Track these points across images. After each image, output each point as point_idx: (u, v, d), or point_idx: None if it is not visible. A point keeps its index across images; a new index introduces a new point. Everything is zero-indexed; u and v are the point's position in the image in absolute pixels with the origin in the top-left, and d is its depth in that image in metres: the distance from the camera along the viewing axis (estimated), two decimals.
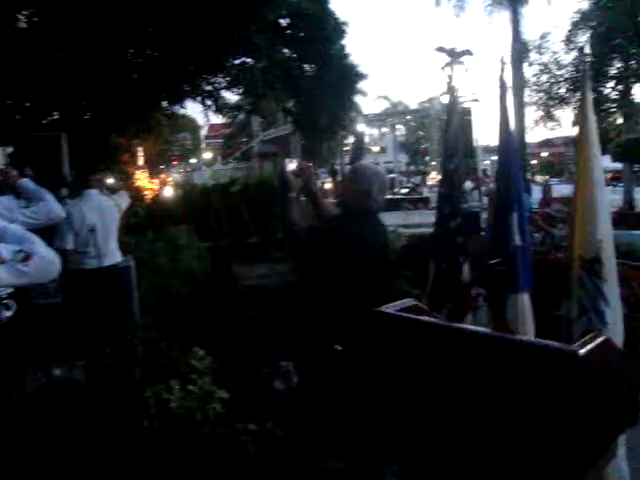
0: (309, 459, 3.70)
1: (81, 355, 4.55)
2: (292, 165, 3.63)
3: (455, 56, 3.58)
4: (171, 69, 9.03)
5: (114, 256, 6.39)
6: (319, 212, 3.28)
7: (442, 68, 14.13)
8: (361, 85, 45.09)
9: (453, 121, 3.63)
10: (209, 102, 11.74)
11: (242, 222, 11.20)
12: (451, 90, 3.59)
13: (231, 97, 12.46)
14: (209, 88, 11.18)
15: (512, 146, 3.52)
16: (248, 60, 10.95)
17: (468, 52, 3.58)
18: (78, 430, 3.41)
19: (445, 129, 3.66)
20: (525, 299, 3.54)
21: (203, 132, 57.36)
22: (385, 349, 2.17)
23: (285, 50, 12.03)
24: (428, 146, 47.76)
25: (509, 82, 19.07)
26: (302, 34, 11.94)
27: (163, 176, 41.16)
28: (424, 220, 19.35)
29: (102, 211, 6.29)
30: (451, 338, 1.99)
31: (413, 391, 2.16)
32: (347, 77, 12.88)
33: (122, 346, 3.89)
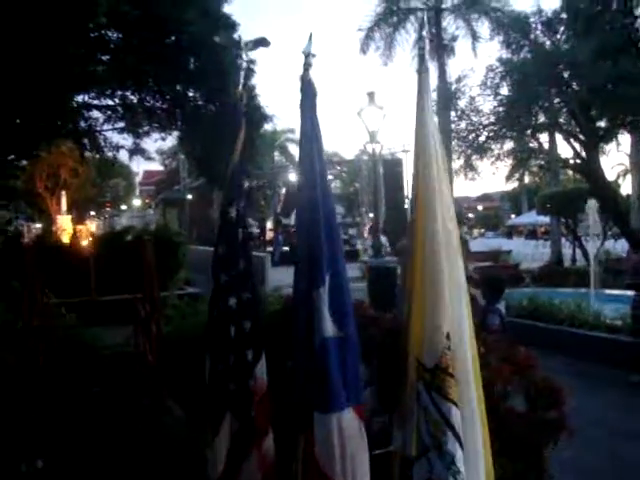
0: None
1: None
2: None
3: (249, 46, 2.37)
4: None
5: None
6: None
7: (358, 114, 13.00)
8: (295, 135, 44.86)
9: (235, 156, 2.38)
10: (85, 141, 10.39)
11: (118, 276, 9.69)
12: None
13: (112, 135, 11.09)
14: (83, 125, 9.81)
15: (324, 198, 2.26)
16: (128, 94, 9.72)
17: (264, 42, 2.38)
18: None
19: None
20: (346, 420, 2.24)
21: (139, 178, 55.79)
22: None
23: (178, 86, 10.78)
24: (361, 197, 47.45)
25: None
26: (199, 67, 10.76)
27: (87, 222, 39.42)
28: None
29: None
30: None
31: None
32: (250, 120, 11.68)
33: None
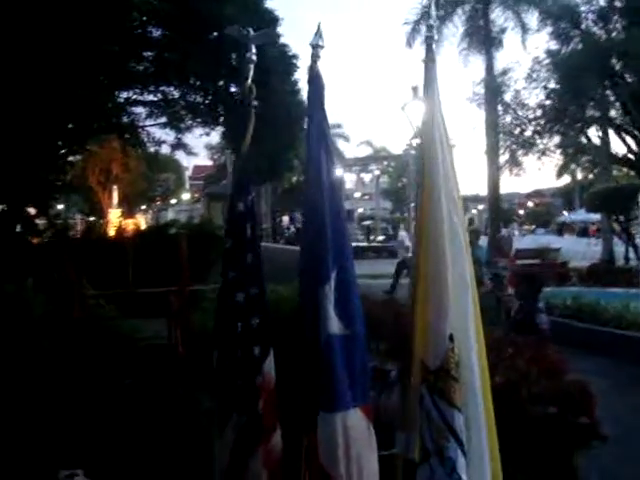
0: None
1: None
2: None
3: (254, 40, 2.35)
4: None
5: None
6: None
7: (402, 108, 12.84)
8: (343, 130, 44.97)
9: (244, 148, 2.36)
10: (127, 136, 10.63)
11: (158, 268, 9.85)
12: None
13: (155, 131, 11.30)
14: (126, 120, 10.04)
15: (331, 192, 2.21)
16: (170, 90, 9.88)
17: (269, 35, 2.33)
18: None
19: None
20: (351, 420, 2.19)
21: (189, 173, 56.67)
22: None
23: (220, 82, 10.88)
24: (408, 192, 47.05)
25: (481, 124, 17.99)
26: (240, 63, 10.83)
27: (136, 216, 40.26)
28: (386, 270, 18.11)
29: None
30: None
31: None
32: (293, 115, 11.70)
33: None
